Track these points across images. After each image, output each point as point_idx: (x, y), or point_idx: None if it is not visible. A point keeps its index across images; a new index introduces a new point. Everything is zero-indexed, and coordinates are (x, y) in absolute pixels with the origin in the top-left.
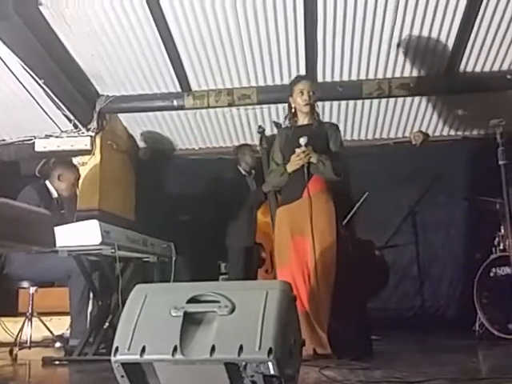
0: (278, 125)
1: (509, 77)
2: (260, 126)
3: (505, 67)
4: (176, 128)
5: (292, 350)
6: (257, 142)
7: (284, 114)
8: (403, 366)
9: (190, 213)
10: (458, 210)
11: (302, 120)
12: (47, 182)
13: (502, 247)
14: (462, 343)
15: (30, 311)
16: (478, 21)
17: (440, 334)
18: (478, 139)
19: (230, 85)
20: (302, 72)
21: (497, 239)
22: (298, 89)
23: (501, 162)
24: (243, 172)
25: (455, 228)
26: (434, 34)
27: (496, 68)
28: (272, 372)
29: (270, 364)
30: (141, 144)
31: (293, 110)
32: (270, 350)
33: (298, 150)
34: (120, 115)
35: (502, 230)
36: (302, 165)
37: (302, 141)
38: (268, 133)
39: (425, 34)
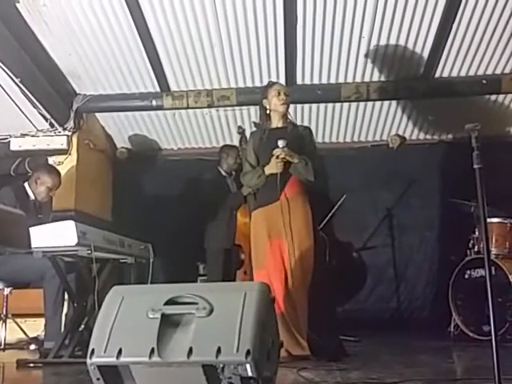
0: (258, 125)
1: (484, 82)
2: (240, 127)
3: (480, 72)
4: (155, 128)
5: (270, 351)
6: (237, 143)
7: None
8: (379, 367)
9: (169, 214)
10: (434, 212)
11: (276, 123)
12: (26, 185)
13: (476, 249)
14: (437, 344)
15: (4, 313)
16: (454, 27)
17: (416, 336)
18: (454, 143)
19: (209, 86)
20: (282, 74)
21: (471, 241)
22: (274, 90)
23: (475, 166)
24: (223, 173)
25: (431, 230)
26: (412, 40)
27: (472, 73)
28: (250, 374)
29: (247, 366)
30: (118, 144)
31: (267, 112)
32: (248, 351)
33: (276, 151)
34: (97, 115)
35: (477, 233)
36: (281, 168)
37: (281, 143)
38: (248, 134)
39: (402, 39)
